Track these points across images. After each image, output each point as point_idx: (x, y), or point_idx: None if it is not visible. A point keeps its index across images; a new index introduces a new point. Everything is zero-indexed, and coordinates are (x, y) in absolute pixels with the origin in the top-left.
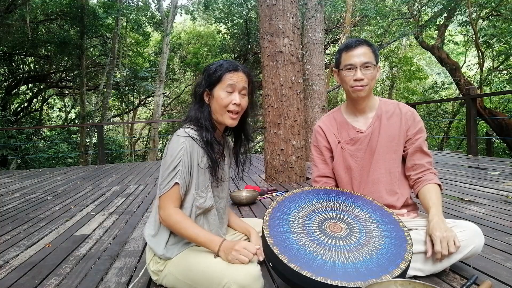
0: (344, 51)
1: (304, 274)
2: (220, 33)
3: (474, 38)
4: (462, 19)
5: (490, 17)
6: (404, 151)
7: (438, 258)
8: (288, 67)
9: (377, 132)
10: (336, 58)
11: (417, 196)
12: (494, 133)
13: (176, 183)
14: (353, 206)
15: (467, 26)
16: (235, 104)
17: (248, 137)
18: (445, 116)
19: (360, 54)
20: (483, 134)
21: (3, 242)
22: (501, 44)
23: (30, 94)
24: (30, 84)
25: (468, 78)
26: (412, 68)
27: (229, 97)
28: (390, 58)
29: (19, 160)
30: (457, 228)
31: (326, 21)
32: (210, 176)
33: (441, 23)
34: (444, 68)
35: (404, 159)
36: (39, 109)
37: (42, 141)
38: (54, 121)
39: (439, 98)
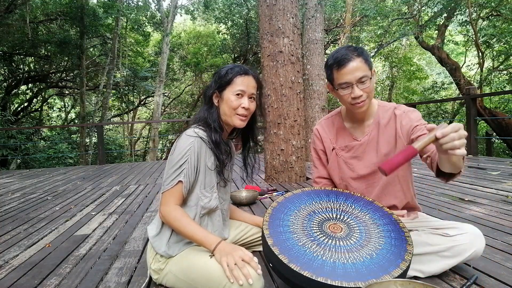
0: (335, 69)
1: (304, 275)
2: (220, 33)
3: (474, 38)
4: (462, 19)
5: (490, 17)
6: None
7: (440, 138)
8: (288, 67)
9: (375, 141)
10: (328, 74)
11: (439, 175)
12: (494, 133)
13: (180, 181)
14: (353, 206)
15: (467, 26)
16: (243, 108)
17: (255, 140)
18: (445, 116)
19: (354, 70)
20: (483, 134)
21: (3, 242)
22: (501, 44)
23: (30, 94)
24: (30, 84)
25: (468, 78)
26: (412, 68)
27: (238, 100)
28: (390, 58)
29: (19, 160)
30: (458, 231)
31: (326, 21)
32: (218, 176)
33: (441, 23)
34: (444, 68)
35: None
36: (39, 109)
37: (42, 141)
38: (54, 121)
39: (439, 98)
